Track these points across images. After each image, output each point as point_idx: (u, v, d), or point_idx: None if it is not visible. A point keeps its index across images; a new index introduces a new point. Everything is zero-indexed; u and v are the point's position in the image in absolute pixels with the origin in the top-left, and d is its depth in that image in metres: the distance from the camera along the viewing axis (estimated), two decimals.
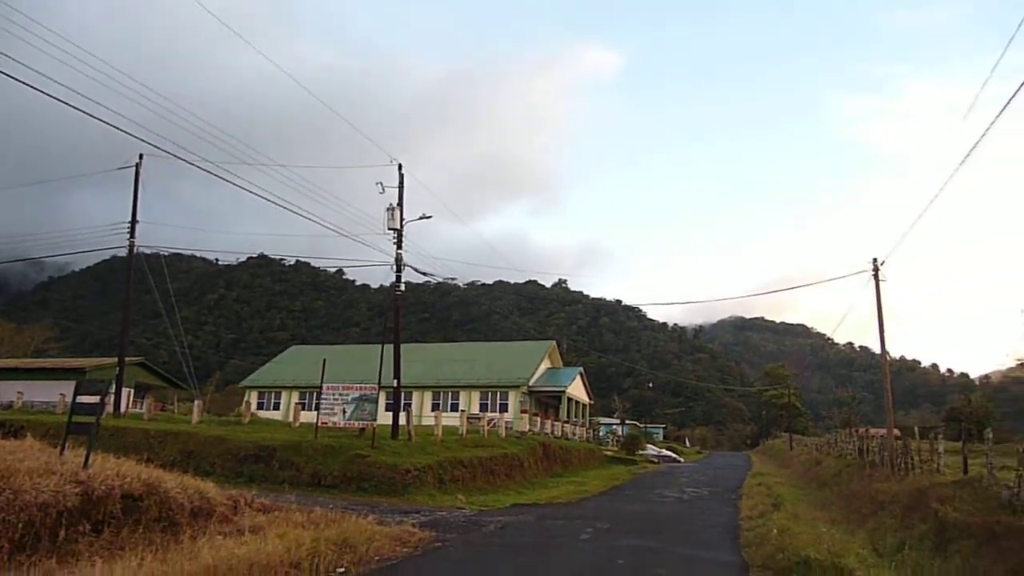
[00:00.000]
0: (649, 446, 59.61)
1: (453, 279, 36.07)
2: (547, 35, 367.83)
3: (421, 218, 28.16)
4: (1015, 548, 9.62)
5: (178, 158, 17.17)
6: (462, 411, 37.75)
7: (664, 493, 26.73)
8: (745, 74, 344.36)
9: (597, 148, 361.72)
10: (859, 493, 20.55)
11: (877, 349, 30.05)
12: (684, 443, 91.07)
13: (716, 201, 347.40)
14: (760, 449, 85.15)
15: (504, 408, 46.85)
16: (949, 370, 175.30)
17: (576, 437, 49.28)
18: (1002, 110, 12.21)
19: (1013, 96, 11.49)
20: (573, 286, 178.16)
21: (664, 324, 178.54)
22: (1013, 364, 69.92)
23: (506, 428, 35.72)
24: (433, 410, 41.19)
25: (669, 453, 60.21)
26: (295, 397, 50.59)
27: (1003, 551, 9.73)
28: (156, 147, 17.03)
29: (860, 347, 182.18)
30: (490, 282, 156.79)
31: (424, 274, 30.47)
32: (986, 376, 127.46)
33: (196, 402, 32.19)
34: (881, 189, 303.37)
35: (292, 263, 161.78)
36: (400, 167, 27.68)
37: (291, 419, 34.23)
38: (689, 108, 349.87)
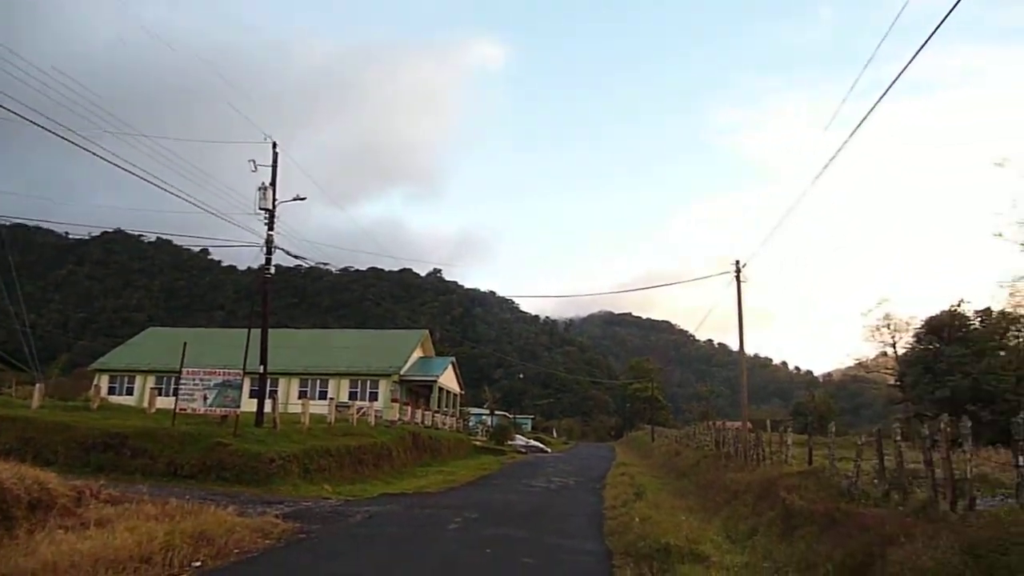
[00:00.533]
0: (518, 436, 60.45)
1: (326, 264, 35.08)
2: (435, 25, 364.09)
3: (295, 199, 27.15)
4: (852, 533, 10.34)
5: (22, 117, 15.63)
6: (331, 399, 36.87)
7: (532, 483, 27.15)
8: (629, 78, 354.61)
9: (479, 139, 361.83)
10: (715, 483, 21.64)
11: (735, 346, 31.89)
12: (552, 434, 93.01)
13: (591, 199, 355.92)
14: (624, 440, 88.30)
15: (374, 397, 46.21)
16: (797, 368, 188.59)
17: (446, 427, 49.31)
18: (853, 131, 13.11)
19: (862, 121, 12.35)
20: (448, 276, 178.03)
21: (536, 317, 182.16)
22: (852, 364, 75.84)
23: (376, 417, 35.22)
24: (300, 397, 40.09)
25: (537, 444, 61.28)
26: (151, 382, 47.77)
27: (842, 536, 10.44)
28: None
29: (719, 344, 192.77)
30: (364, 269, 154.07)
31: (296, 257, 29.43)
32: (828, 374, 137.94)
33: (37, 385, 29.71)
34: (749, 196, 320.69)
35: (153, 240, 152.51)
36: (275, 145, 26.58)
37: (146, 405, 32.28)
38: (571, 106, 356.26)
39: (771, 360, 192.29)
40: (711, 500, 19.12)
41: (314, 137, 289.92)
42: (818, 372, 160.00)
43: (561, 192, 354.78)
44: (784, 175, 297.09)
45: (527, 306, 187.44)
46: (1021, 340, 52.80)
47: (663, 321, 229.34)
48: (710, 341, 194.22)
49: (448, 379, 56.67)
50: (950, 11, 9.05)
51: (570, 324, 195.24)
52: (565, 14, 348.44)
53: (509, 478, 29.64)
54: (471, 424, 62.34)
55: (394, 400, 44.91)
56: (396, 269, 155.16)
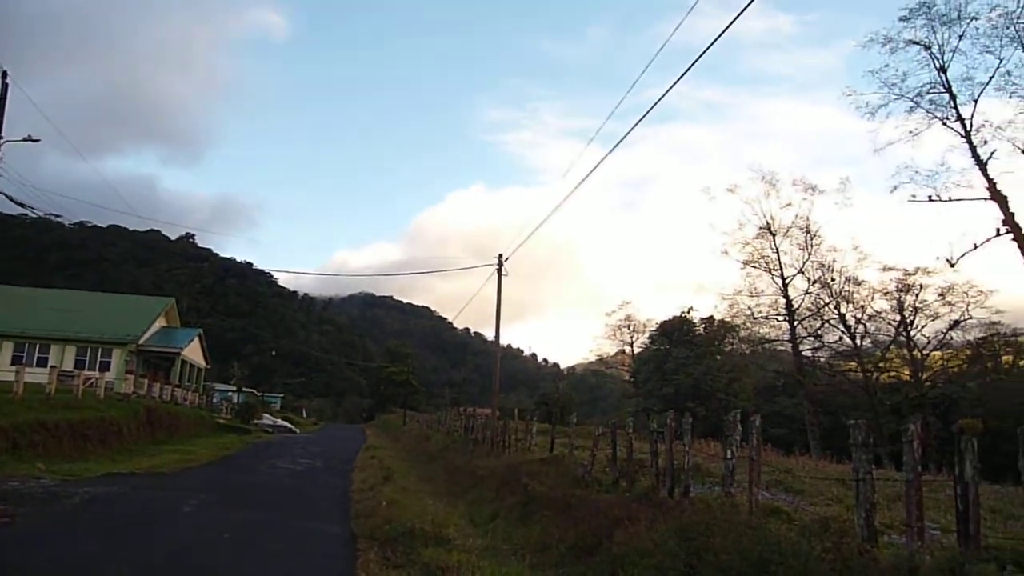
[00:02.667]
0: (265, 415, 58.09)
1: (57, 216, 31.06)
2: None
3: (26, 140, 23.83)
4: (584, 517, 11.13)
5: None
6: (52, 367, 32.85)
7: (277, 464, 26.21)
8: (405, 69, 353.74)
9: (250, 109, 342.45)
10: (462, 468, 22.29)
11: (490, 336, 33.08)
12: (301, 414, 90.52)
13: (360, 180, 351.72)
14: (376, 423, 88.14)
15: (106, 367, 41.89)
16: (545, 360, 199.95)
17: (187, 403, 46.05)
18: (611, 150, 14.18)
19: (619, 142, 13.39)
20: (202, 242, 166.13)
21: (294, 293, 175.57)
22: (593, 359, 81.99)
23: (106, 389, 32.02)
24: (15, 364, 35.35)
25: (285, 423, 59.32)
26: None
27: (575, 519, 11.19)
28: None
29: (475, 333, 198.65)
30: (104, 225, 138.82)
31: (21, 205, 25.76)
32: (573, 367, 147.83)
33: None
34: (512, 192, 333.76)
35: None
36: (5, 75, 23.10)
37: None
38: (348, 87, 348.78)
39: (522, 351, 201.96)
40: (458, 484, 19.67)
41: (60, 76, 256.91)
42: (564, 365, 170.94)
43: (329, 171, 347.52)
44: (546, 177, 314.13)
45: (285, 281, 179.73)
46: (735, 346, 60.08)
47: (423, 307, 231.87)
48: (467, 329, 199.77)
49: (193, 352, 52.98)
50: (703, 52, 10.04)
51: (329, 303, 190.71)
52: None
53: (253, 459, 28.36)
54: (215, 401, 58.83)
55: (129, 372, 41.12)
56: (143, 230, 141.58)
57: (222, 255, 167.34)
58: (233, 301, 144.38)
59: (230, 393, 67.35)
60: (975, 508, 6.13)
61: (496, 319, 30.14)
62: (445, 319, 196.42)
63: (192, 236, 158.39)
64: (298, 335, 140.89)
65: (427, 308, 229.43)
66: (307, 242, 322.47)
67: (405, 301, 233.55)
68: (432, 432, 41.65)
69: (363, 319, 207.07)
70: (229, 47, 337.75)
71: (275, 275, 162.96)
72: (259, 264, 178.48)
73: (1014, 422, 7.03)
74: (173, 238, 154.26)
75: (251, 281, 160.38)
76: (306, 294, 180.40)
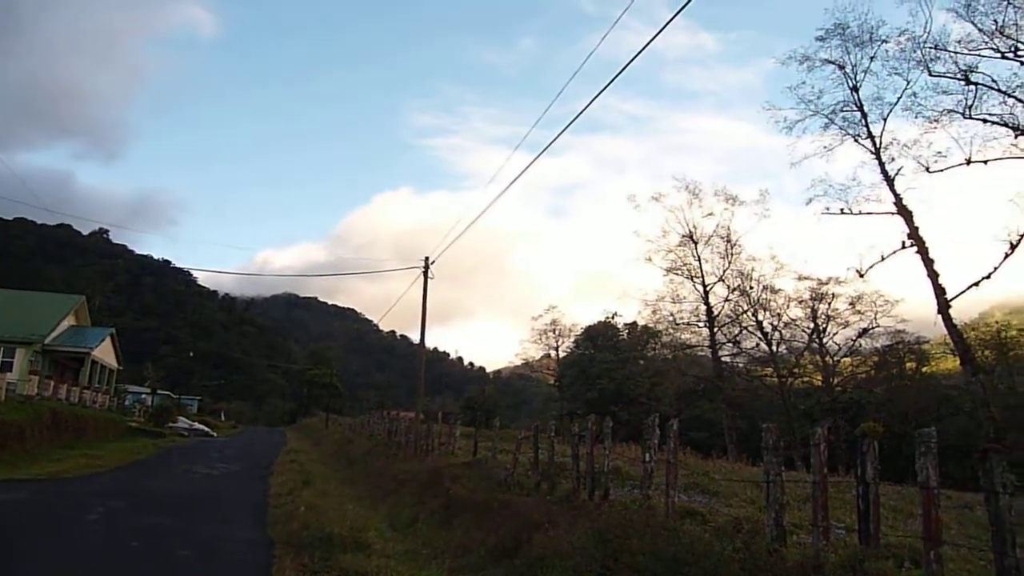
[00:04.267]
0: (181, 419, 56.17)
1: None
2: None
3: None
4: (505, 520, 11.15)
5: None
6: None
7: (192, 468, 25.37)
8: (336, 70, 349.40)
9: (172, 106, 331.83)
10: (385, 471, 22.04)
11: (416, 338, 32.83)
12: (220, 417, 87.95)
13: (284, 181, 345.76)
14: (297, 426, 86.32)
15: (8, 367, 39.75)
16: (471, 363, 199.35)
17: (97, 405, 44.11)
18: (536, 157, 14.31)
19: (545, 148, 13.54)
20: (117, 238, 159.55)
21: (215, 292, 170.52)
22: (519, 362, 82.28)
23: (7, 391, 30.42)
24: None
25: (202, 427, 57.49)
26: None
27: (496, 523, 11.20)
28: None
29: (401, 335, 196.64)
30: (9, 218, 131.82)
31: None
32: (499, 371, 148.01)
33: None
34: (440, 196, 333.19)
35: None
36: None
37: None
38: (275, 88, 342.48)
39: (448, 354, 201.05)
40: (380, 488, 19.43)
41: None
42: (490, 368, 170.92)
43: (254, 170, 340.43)
44: (475, 182, 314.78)
45: (205, 280, 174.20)
46: (657, 351, 61.25)
47: (348, 308, 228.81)
48: (393, 332, 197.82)
49: (105, 352, 50.81)
50: (624, 66, 10.23)
51: (251, 303, 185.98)
52: None
53: (166, 463, 27.40)
54: (128, 403, 56.50)
55: (33, 372, 39.13)
56: (52, 224, 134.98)
57: (138, 252, 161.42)
58: (149, 300, 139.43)
59: (144, 395, 64.83)
60: (875, 508, 6.39)
61: (422, 322, 29.97)
62: (370, 321, 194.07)
63: (106, 232, 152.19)
64: (218, 336, 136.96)
65: (352, 310, 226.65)
66: (229, 241, 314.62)
67: (330, 303, 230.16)
68: (355, 436, 41.07)
69: (287, 320, 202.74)
70: (154, 42, 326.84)
71: (195, 274, 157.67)
72: (178, 262, 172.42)
73: (916, 425, 7.38)
74: (85, 233, 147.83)
75: (169, 279, 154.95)
76: (227, 294, 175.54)
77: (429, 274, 29.42)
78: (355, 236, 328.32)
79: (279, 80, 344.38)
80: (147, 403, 60.54)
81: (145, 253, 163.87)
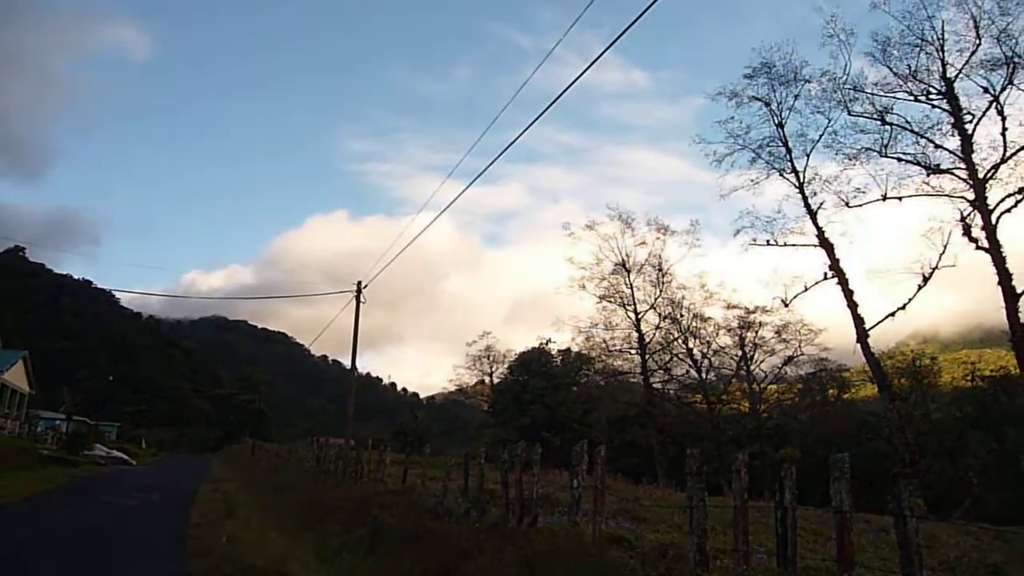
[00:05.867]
0: (98, 446, 53.76)
1: None
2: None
3: None
4: (433, 548, 11.01)
5: None
6: None
7: (106, 499, 24.25)
8: (267, 96, 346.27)
9: (102, 125, 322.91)
10: (313, 500, 21.50)
11: (348, 363, 32.32)
12: (141, 444, 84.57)
13: (216, 202, 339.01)
14: (223, 454, 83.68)
15: None
16: (404, 389, 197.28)
17: (6, 432, 41.97)
18: (468, 185, 14.40)
19: (477, 177, 13.66)
20: (34, 256, 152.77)
21: (139, 314, 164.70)
22: (453, 389, 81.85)
23: None
24: None
25: (120, 455, 55.13)
26: None
27: (424, 551, 11.04)
28: None
29: (333, 360, 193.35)
30: None
31: None
32: (432, 397, 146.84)
33: None
34: (376, 223, 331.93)
35: None
36: None
37: None
38: (206, 110, 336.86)
39: (380, 380, 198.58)
40: (306, 517, 18.94)
41: None
42: (423, 395, 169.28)
43: (182, 191, 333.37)
44: (410, 208, 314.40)
45: (128, 302, 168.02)
46: (590, 378, 61.82)
47: (279, 332, 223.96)
48: (324, 356, 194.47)
49: (16, 376, 48.53)
50: (556, 98, 10.43)
51: (177, 326, 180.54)
52: (218, 16, 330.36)
53: (81, 493, 26.15)
54: (40, 430, 53.84)
55: None
56: None
57: (57, 271, 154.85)
58: (68, 321, 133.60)
59: (58, 422, 61.88)
60: (793, 532, 6.55)
61: (353, 346, 29.59)
62: (301, 345, 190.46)
63: (23, 249, 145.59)
64: (140, 359, 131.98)
65: (282, 334, 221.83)
66: (156, 262, 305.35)
67: (260, 326, 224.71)
68: (283, 463, 40.03)
69: (215, 344, 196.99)
70: (84, 61, 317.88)
71: (117, 295, 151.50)
72: (100, 283, 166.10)
73: (838, 451, 7.65)
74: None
75: (89, 300, 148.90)
76: (152, 316, 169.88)
77: (361, 298, 29.13)
78: (286, 259, 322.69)
79: (211, 102, 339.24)
80: (61, 430, 57.83)
81: (65, 272, 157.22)
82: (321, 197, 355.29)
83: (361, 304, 29.03)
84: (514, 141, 12.32)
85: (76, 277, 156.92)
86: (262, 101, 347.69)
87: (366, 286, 29.26)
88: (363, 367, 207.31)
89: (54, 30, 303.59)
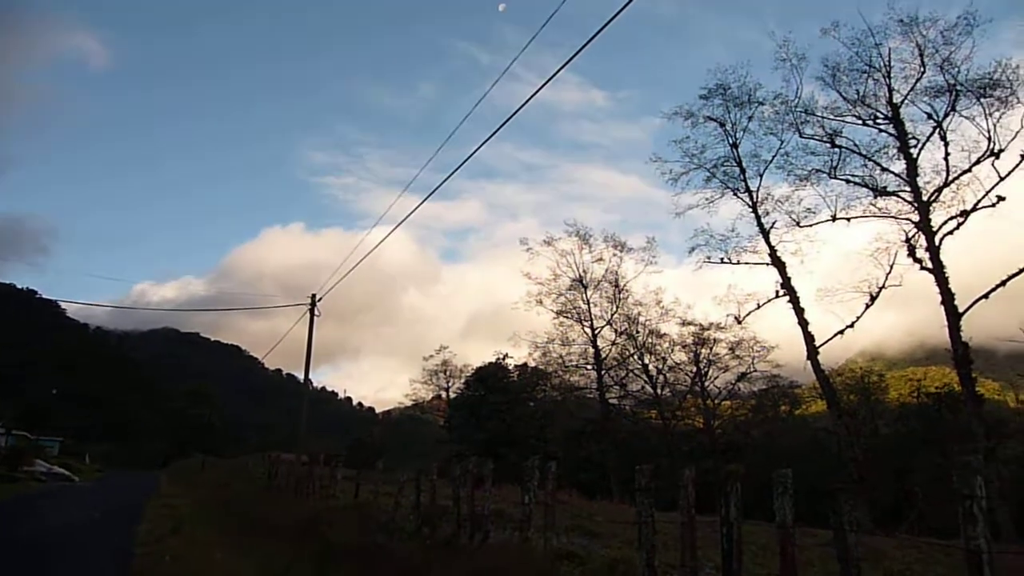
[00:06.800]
0: (39, 462, 52.01)
1: None
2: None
3: None
4: (384, 565, 10.89)
5: None
6: None
7: (49, 516, 23.51)
8: (225, 112, 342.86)
9: (54, 135, 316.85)
10: (262, 516, 21.07)
11: (303, 377, 31.94)
12: (85, 460, 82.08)
13: (169, 213, 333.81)
14: (172, 469, 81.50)
15: None
16: (360, 404, 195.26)
17: None
18: (425, 198, 14.41)
19: (434, 191, 13.66)
20: None
21: (86, 325, 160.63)
22: (410, 403, 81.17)
23: None
24: None
25: (62, 471, 53.44)
26: None
27: (374, 568, 10.91)
28: None
29: (288, 374, 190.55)
30: None
31: None
32: (389, 411, 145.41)
33: None
34: (334, 236, 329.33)
35: None
36: None
37: None
38: (167, 121, 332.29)
39: (336, 394, 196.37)
40: (255, 535, 18.51)
41: None
42: (380, 409, 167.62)
43: (134, 201, 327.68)
44: (369, 222, 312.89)
45: (75, 313, 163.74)
46: (546, 393, 61.86)
47: (232, 345, 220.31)
48: (279, 370, 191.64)
49: None
50: (512, 115, 10.50)
51: (126, 337, 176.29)
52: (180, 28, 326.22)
53: (17, 511, 25.25)
54: None
55: None
56: None
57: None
58: (10, 332, 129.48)
59: None
60: (738, 547, 6.62)
61: (306, 360, 29.24)
62: (255, 359, 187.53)
63: None
64: (87, 372, 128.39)
65: (237, 347, 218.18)
66: (105, 272, 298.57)
67: (213, 339, 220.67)
68: (233, 479, 39.18)
69: (167, 356, 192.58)
70: (39, 68, 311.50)
71: (64, 305, 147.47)
72: (46, 293, 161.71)
73: (789, 466, 7.76)
74: None
75: (34, 311, 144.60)
76: (99, 327, 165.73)
77: (316, 311, 28.81)
78: (242, 271, 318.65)
79: (168, 113, 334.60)
80: (0, 444, 55.85)
81: (8, 282, 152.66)
82: (279, 209, 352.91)
83: (316, 317, 28.76)
84: (469, 157, 12.38)
85: (20, 287, 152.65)
86: (219, 113, 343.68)
87: (321, 299, 28.99)
88: (319, 381, 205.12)
89: (5, 35, 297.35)
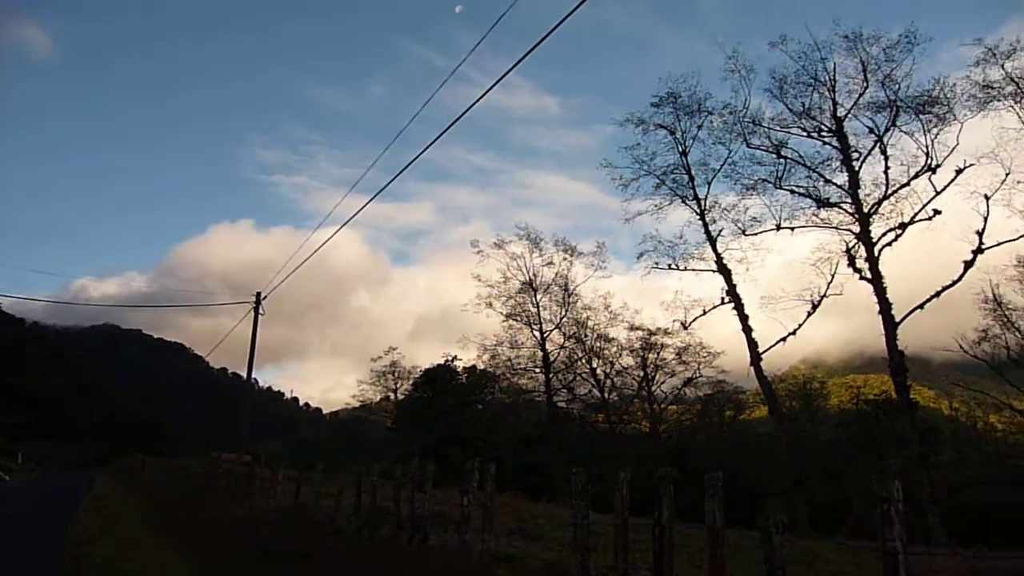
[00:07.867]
0: None
1: None
2: None
3: None
4: (323, 567, 10.77)
5: None
6: None
7: None
8: (172, 104, 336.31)
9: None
10: (201, 517, 20.66)
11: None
12: (17, 459, 79.36)
13: (110, 207, 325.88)
14: (111, 469, 79.29)
15: None
16: (307, 404, 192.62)
17: None
18: (373, 196, 14.32)
19: (381, 190, 13.58)
20: None
21: (21, 320, 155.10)
22: (357, 404, 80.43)
23: None
24: None
25: None
26: None
27: (312, 570, 10.78)
28: None
29: (233, 373, 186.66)
30: None
31: None
32: (336, 412, 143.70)
33: None
34: (284, 235, 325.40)
35: None
36: None
37: None
38: (110, 114, 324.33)
39: (283, 394, 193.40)
40: (192, 537, 18.13)
41: None
42: (327, 410, 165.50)
43: (74, 194, 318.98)
44: (320, 220, 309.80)
45: (10, 307, 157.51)
46: (495, 396, 61.86)
47: (176, 343, 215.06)
48: (224, 369, 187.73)
49: None
50: (459, 116, 10.51)
51: (65, 333, 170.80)
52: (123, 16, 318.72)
53: None
54: None
55: None
56: None
57: None
58: None
59: None
60: (670, 549, 6.73)
61: (249, 358, 28.78)
62: (200, 357, 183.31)
63: None
64: (21, 368, 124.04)
65: (180, 344, 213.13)
66: (42, 266, 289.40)
67: (156, 336, 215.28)
68: (174, 478, 38.31)
69: (107, 353, 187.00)
70: None
71: None
72: None
73: (730, 470, 7.87)
74: None
75: None
76: (36, 322, 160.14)
77: (261, 310, 28.37)
78: (187, 267, 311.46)
79: (111, 104, 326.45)
80: None
81: None
82: (226, 206, 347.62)
83: (261, 316, 28.34)
84: (417, 157, 12.36)
85: None
86: (165, 105, 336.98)
87: (265, 297, 28.56)
88: (265, 381, 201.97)
89: None
